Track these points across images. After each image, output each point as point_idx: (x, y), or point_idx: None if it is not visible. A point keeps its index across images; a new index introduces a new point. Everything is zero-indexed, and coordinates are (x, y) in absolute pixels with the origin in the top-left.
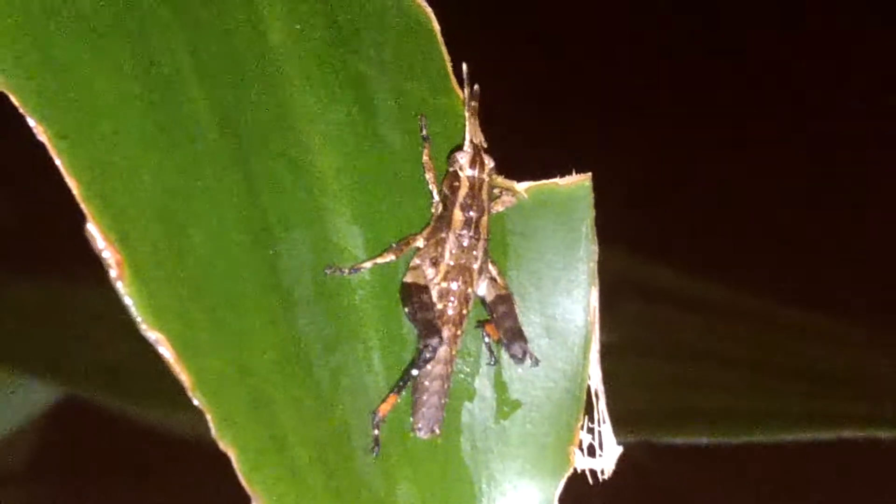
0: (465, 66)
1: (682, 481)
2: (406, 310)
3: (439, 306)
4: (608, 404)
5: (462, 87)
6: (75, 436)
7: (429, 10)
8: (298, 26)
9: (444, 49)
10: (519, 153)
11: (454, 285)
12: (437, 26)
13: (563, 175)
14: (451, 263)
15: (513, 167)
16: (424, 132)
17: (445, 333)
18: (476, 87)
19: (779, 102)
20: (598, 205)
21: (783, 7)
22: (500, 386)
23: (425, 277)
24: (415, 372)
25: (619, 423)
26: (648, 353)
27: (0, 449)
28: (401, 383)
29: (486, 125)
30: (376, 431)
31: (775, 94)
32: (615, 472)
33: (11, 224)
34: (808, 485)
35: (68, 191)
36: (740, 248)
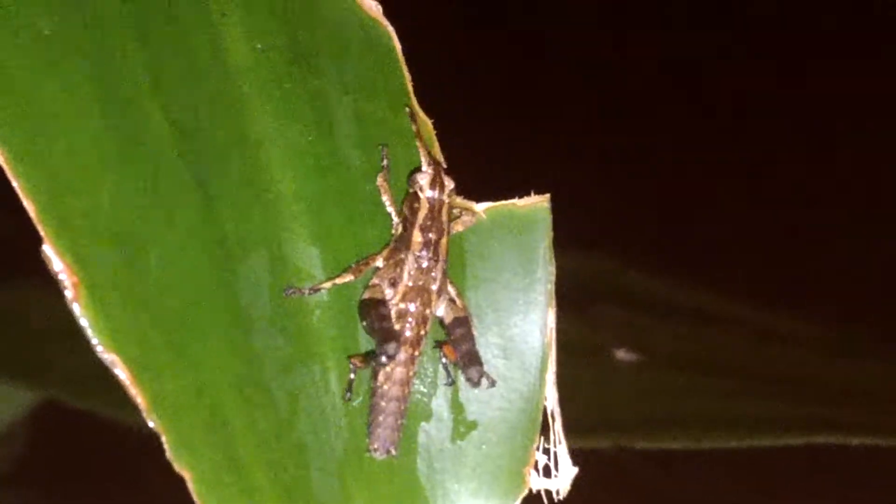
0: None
1: (659, 486)
2: (364, 323)
3: (397, 327)
4: (564, 419)
5: (420, 107)
6: (59, 439)
7: (390, 28)
8: (259, 46)
9: (404, 67)
10: (477, 173)
11: (412, 306)
12: (398, 44)
13: (521, 196)
14: (410, 284)
15: (471, 187)
16: (385, 162)
17: (402, 355)
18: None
19: (756, 101)
20: (576, 210)
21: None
22: (456, 407)
23: (383, 295)
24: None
25: (597, 429)
26: (616, 358)
27: None
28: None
29: (444, 144)
30: (352, 376)
31: (749, 97)
32: (592, 477)
33: None
34: (785, 490)
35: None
36: (720, 253)
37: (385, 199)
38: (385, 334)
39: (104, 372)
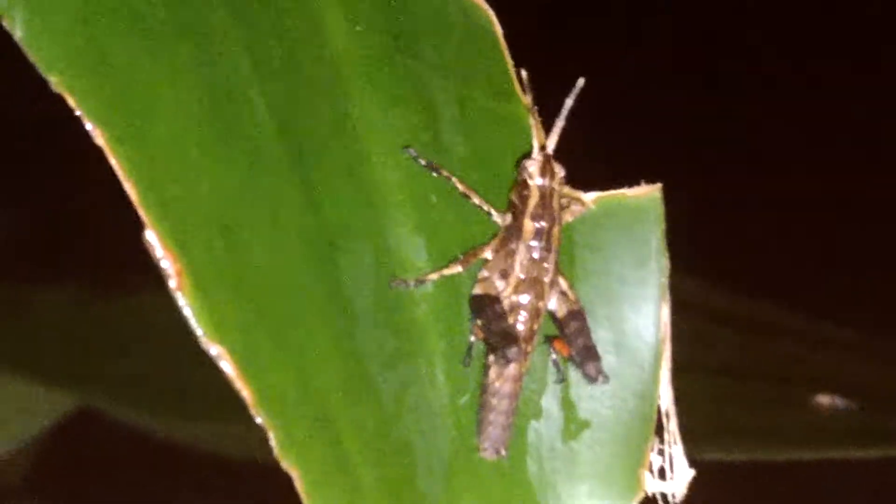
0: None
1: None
2: (479, 321)
3: (509, 320)
4: (679, 424)
5: (525, 92)
6: (88, 447)
7: (490, 12)
8: (359, 28)
9: (507, 53)
10: (584, 163)
11: (524, 299)
12: (499, 29)
13: (631, 185)
14: (522, 276)
15: (578, 177)
16: (423, 162)
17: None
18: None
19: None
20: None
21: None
22: (567, 405)
23: (496, 289)
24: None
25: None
26: (686, 368)
27: (9, 458)
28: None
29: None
30: (472, 339)
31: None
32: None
33: (31, 232)
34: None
35: (95, 199)
36: (784, 264)
37: (476, 200)
38: (504, 335)
39: (143, 381)
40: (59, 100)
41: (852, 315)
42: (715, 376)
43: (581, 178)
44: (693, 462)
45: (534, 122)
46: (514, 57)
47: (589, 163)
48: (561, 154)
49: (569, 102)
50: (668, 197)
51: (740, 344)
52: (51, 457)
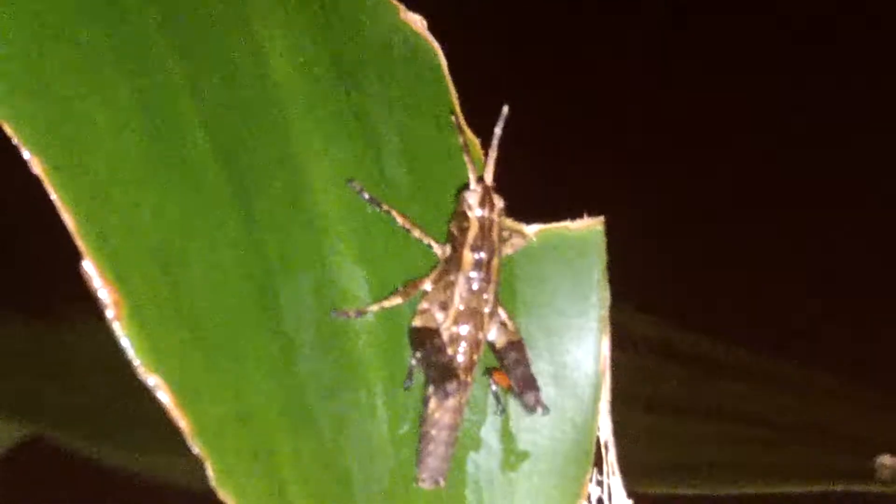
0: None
1: None
2: (417, 355)
3: (449, 352)
4: (621, 458)
5: (468, 125)
6: (37, 476)
7: (435, 44)
8: (302, 60)
9: (451, 85)
10: (526, 195)
11: (464, 330)
12: (443, 61)
13: (573, 218)
14: (461, 307)
15: (520, 209)
16: (366, 196)
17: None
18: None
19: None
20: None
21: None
22: (507, 436)
23: (435, 321)
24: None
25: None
26: (630, 403)
27: None
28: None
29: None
30: (413, 362)
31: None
32: None
33: None
34: None
35: (47, 228)
36: (731, 302)
37: (416, 233)
38: (442, 370)
39: (95, 410)
40: None
41: (795, 352)
42: (658, 411)
43: (524, 211)
44: (634, 496)
45: (473, 155)
46: (458, 88)
47: (533, 195)
48: (505, 187)
49: (498, 131)
50: (617, 233)
51: (684, 379)
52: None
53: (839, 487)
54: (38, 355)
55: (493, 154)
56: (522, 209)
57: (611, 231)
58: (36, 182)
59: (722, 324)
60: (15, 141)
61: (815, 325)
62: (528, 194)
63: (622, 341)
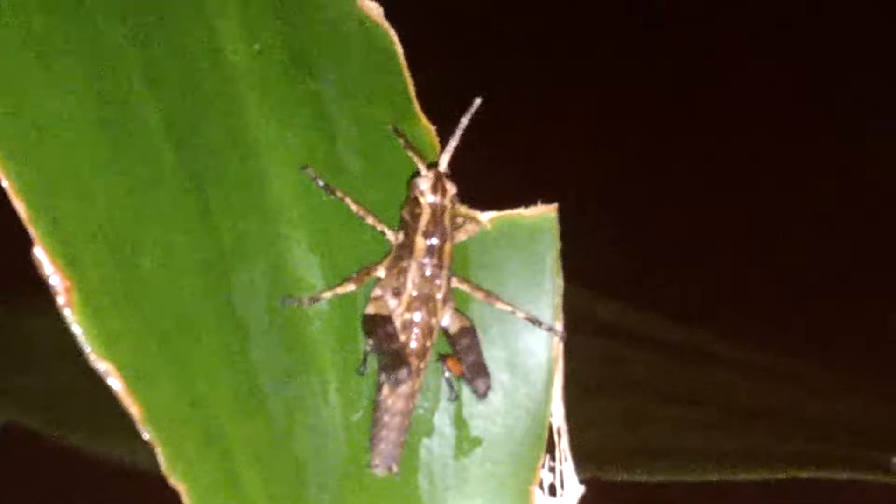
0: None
1: None
2: (370, 342)
3: (402, 338)
4: (570, 442)
5: (423, 113)
6: (10, 464)
7: (391, 30)
8: (257, 46)
9: (406, 71)
10: (480, 182)
11: (417, 316)
12: (399, 48)
13: (527, 206)
14: (414, 293)
15: (474, 197)
16: (320, 182)
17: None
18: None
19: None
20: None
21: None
22: (459, 422)
23: (388, 308)
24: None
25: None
26: (596, 388)
27: None
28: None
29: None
30: (367, 348)
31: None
32: None
33: None
34: None
35: (13, 213)
36: (702, 288)
37: (370, 220)
38: (394, 357)
39: (62, 395)
40: None
41: (767, 339)
42: (627, 397)
43: (477, 198)
44: (594, 482)
45: (428, 142)
46: (413, 75)
47: (486, 182)
48: (457, 173)
49: (464, 121)
50: (584, 219)
51: (653, 365)
52: None
53: (806, 474)
54: (5, 340)
55: (452, 142)
56: (476, 197)
57: (577, 216)
58: None
59: (690, 309)
60: None
61: (784, 310)
62: (482, 182)
63: (585, 326)
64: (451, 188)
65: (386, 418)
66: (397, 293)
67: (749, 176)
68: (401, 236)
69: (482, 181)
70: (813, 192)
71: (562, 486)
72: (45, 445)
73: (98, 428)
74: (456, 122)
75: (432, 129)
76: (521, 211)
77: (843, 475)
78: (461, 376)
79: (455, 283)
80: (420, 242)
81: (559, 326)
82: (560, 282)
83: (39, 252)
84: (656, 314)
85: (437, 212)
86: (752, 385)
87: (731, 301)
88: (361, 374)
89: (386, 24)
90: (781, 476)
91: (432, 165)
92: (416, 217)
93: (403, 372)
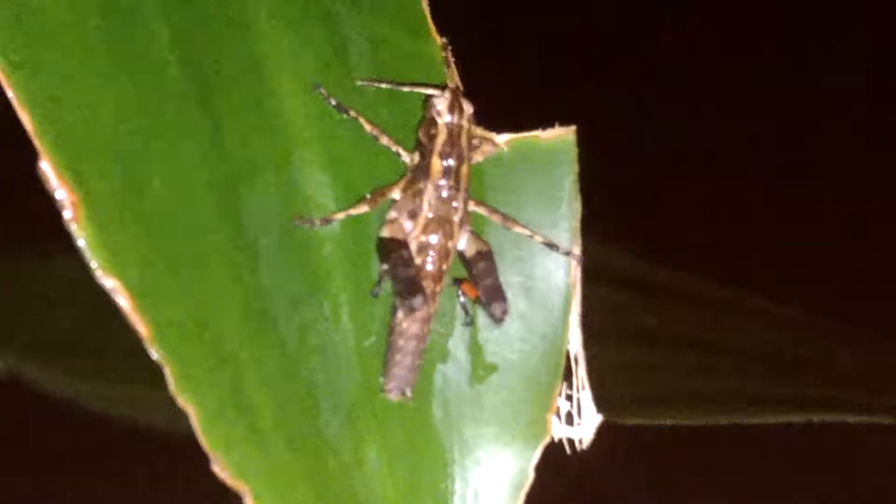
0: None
1: (649, 462)
2: (384, 266)
3: (418, 261)
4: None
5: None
6: (13, 415)
7: None
8: None
9: None
10: (497, 103)
11: (433, 239)
12: None
13: (544, 128)
14: (430, 216)
15: (490, 118)
16: (332, 101)
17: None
18: None
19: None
20: None
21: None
22: (475, 348)
23: (403, 231)
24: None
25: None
26: (609, 336)
27: None
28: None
29: (461, 71)
30: (384, 266)
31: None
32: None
33: None
34: (777, 466)
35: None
36: (701, 233)
37: (385, 141)
38: (409, 284)
39: (69, 344)
40: None
41: (772, 286)
42: (630, 343)
43: (494, 120)
44: (606, 426)
45: (444, 59)
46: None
47: (503, 104)
48: (475, 95)
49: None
50: (587, 161)
51: (656, 312)
52: None
53: (815, 418)
54: (9, 289)
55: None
56: (493, 119)
57: (588, 163)
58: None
59: (700, 258)
60: None
61: (791, 260)
62: (499, 105)
63: (596, 276)
64: (468, 108)
65: (400, 342)
66: (413, 215)
67: (757, 125)
68: (416, 157)
69: (497, 103)
70: (819, 141)
71: (579, 414)
72: (48, 398)
73: (104, 376)
74: (471, 42)
75: (448, 47)
76: (538, 133)
77: (856, 419)
78: (476, 300)
79: (472, 206)
80: (436, 163)
81: (577, 251)
82: (578, 205)
83: (45, 165)
84: (665, 263)
85: (453, 132)
86: (764, 332)
87: (745, 250)
88: (375, 296)
89: None
90: (796, 419)
91: (447, 85)
92: (432, 137)
93: (418, 299)
